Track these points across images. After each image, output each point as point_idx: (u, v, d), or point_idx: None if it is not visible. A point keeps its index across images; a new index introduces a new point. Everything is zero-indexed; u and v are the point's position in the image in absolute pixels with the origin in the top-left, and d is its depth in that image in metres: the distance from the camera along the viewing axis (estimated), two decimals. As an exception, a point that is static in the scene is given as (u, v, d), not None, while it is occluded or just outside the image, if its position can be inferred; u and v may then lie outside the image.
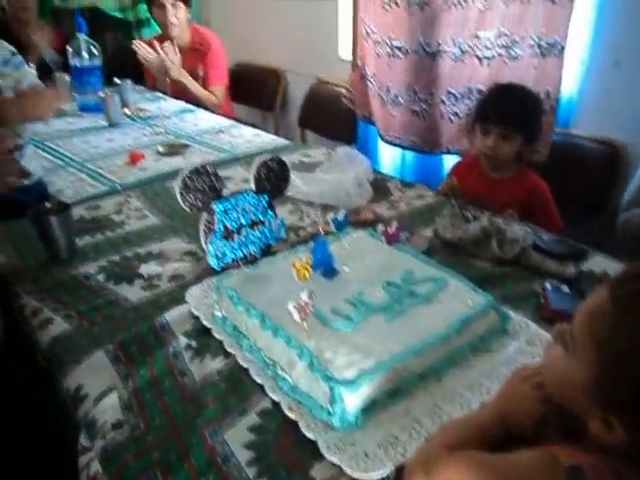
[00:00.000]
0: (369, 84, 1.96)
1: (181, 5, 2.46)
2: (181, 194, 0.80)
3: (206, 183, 0.81)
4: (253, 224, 0.86)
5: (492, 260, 1.08)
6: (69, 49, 2.16)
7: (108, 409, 0.74)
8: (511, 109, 1.31)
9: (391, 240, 0.94)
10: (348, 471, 0.62)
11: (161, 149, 1.75)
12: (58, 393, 0.84)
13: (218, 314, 0.88)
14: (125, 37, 3.68)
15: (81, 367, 0.83)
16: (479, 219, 1.17)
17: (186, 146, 1.78)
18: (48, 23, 3.28)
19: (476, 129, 1.37)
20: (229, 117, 2.36)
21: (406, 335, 0.75)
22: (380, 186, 1.46)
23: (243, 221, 0.85)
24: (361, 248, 0.97)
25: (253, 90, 2.80)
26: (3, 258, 1.15)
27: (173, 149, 1.75)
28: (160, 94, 2.55)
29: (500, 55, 1.55)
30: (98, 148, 1.82)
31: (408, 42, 1.69)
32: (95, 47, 2.18)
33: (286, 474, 0.64)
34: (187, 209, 0.81)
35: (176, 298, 0.97)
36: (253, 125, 2.61)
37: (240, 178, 1.52)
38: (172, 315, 0.92)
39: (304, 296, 0.73)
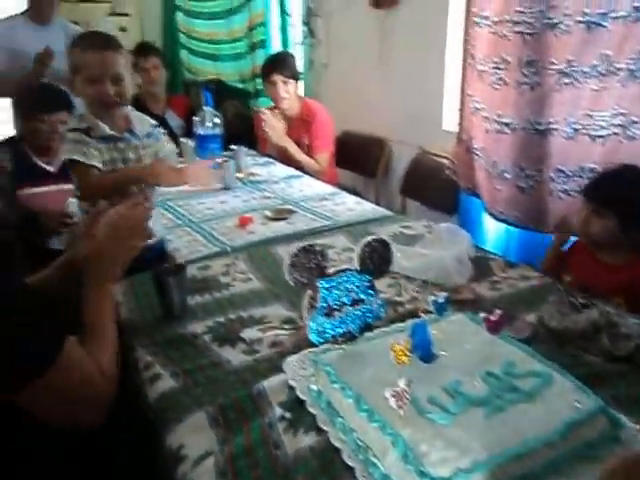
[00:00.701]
0: (475, 157, 1.97)
1: (291, 81, 2.65)
2: (289, 269, 0.85)
3: (312, 261, 0.86)
4: (354, 303, 0.89)
5: (602, 356, 1.01)
6: (195, 119, 2.40)
7: (204, 474, 0.77)
8: (605, 185, 1.30)
9: (493, 329, 0.91)
10: None
11: (268, 214, 1.85)
12: (160, 448, 0.89)
13: (313, 387, 0.90)
14: (243, 105, 4.02)
15: (183, 426, 0.87)
16: (589, 308, 1.10)
17: (292, 212, 1.88)
18: (179, 93, 3.68)
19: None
20: (333, 183, 2.47)
21: (506, 435, 0.72)
22: (482, 264, 1.43)
23: (345, 300, 0.88)
24: (460, 333, 0.96)
25: (357, 157, 2.89)
26: (126, 311, 1.27)
27: (279, 214, 1.85)
28: (271, 159, 2.73)
29: (616, 134, 1.50)
30: (212, 210, 1.97)
31: (517, 119, 1.69)
32: (218, 117, 2.40)
33: None
34: (292, 283, 0.86)
35: (274, 365, 1.01)
36: (354, 190, 2.71)
37: (341, 247, 1.57)
38: (270, 383, 0.95)
39: (402, 383, 0.73)
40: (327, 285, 0.85)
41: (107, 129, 1.45)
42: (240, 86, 4.12)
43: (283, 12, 3.37)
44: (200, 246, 1.62)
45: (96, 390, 0.89)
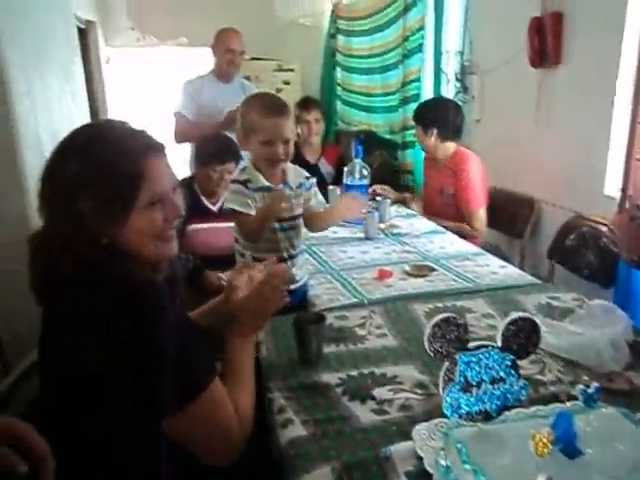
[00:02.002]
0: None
1: (434, 132, 2.64)
2: (429, 339, 0.85)
3: (453, 333, 0.85)
4: (494, 381, 0.86)
5: None
6: (345, 169, 2.51)
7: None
8: None
9: (652, 432, 0.82)
10: None
11: (408, 269, 1.86)
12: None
13: (442, 462, 0.87)
14: (390, 155, 4.12)
15: (309, 477, 0.90)
16: None
17: (432, 269, 1.86)
18: (331, 142, 3.89)
19: None
20: (479, 242, 2.41)
21: None
22: (638, 351, 1.29)
23: (484, 377, 0.85)
24: (611, 430, 0.87)
25: (504, 215, 2.79)
26: (265, 352, 1.35)
27: (419, 271, 1.84)
28: (413, 212, 2.75)
29: None
30: (353, 258, 2.03)
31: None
32: (366, 169, 2.49)
33: None
34: (431, 354, 0.86)
35: (403, 430, 1.00)
36: (497, 248, 2.61)
37: (481, 312, 1.52)
38: (397, 449, 0.94)
39: (542, 478, 0.68)
40: (467, 360, 0.84)
41: (265, 181, 1.59)
42: (389, 137, 4.23)
43: (438, 69, 3.44)
44: (339, 295, 1.68)
45: (231, 431, 0.96)
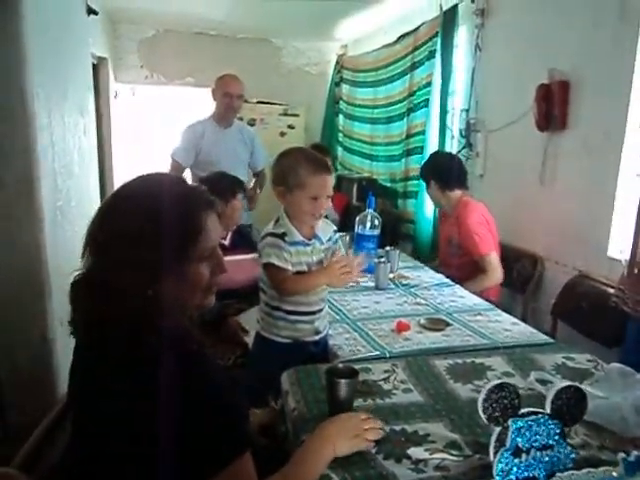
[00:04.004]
0: None
1: (432, 184, 2.75)
2: (483, 404, 0.87)
3: (507, 399, 0.88)
4: (543, 448, 0.89)
5: None
6: (357, 219, 2.57)
7: None
8: None
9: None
10: None
11: (424, 322, 1.89)
12: None
13: (489, 527, 0.89)
14: (390, 204, 4.22)
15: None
16: None
17: (447, 324, 1.90)
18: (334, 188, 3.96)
19: None
20: (492, 298, 2.45)
21: None
22: (661, 416, 1.33)
23: (534, 443, 0.88)
24: (653, 500, 0.90)
25: (507, 270, 2.84)
26: (293, 401, 1.36)
27: (435, 324, 1.88)
28: (420, 263, 2.80)
29: None
30: (367, 308, 2.06)
31: None
32: (378, 220, 2.55)
33: None
34: (485, 419, 0.88)
35: (443, 492, 1.01)
36: (500, 303, 2.65)
37: (501, 370, 1.55)
38: (442, 512, 0.95)
39: None
40: (519, 426, 0.86)
41: (300, 235, 1.64)
42: (389, 185, 4.34)
43: (443, 124, 3.57)
44: (360, 346, 1.70)
45: None
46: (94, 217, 0.95)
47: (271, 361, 1.62)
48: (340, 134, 5.45)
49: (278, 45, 5.36)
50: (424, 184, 2.92)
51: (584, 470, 1.02)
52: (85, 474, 0.93)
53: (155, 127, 5.64)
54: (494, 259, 2.62)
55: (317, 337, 1.70)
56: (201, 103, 4.92)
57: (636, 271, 1.99)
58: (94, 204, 3.75)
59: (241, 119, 3.78)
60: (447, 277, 2.52)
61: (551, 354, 1.68)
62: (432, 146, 3.61)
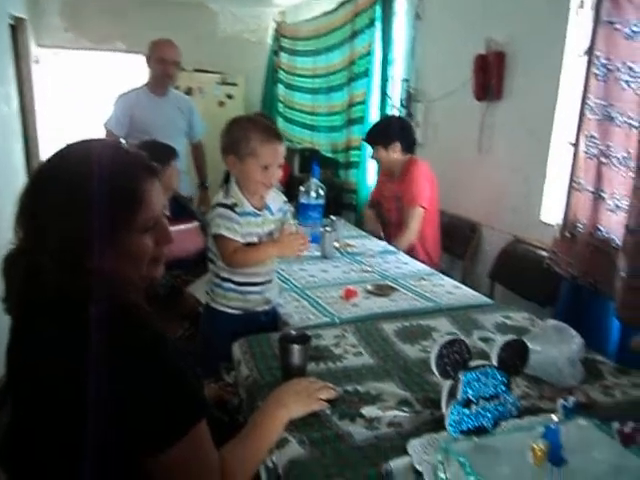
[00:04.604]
0: (584, 248, 2.01)
1: (397, 146, 2.75)
2: (436, 360, 0.91)
3: (457, 354, 0.92)
4: (491, 398, 0.93)
5: None
6: (301, 189, 2.56)
7: None
8: None
9: (627, 442, 0.93)
10: None
11: (370, 288, 1.93)
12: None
13: (442, 476, 0.93)
14: (332, 174, 4.22)
15: (317, 496, 0.93)
16: None
17: (393, 289, 1.95)
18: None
19: None
20: (434, 264, 2.52)
21: None
22: (591, 367, 1.43)
23: (483, 394, 0.92)
24: (589, 440, 0.97)
25: (447, 236, 2.94)
26: (246, 370, 1.36)
27: (381, 290, 1.92)
28: (364, 233, 2.84)
29: None
30: (314, 277, 2.08)
31: (634, 223, 1.72)
32: (322, 189, 2.55)
33: None
34: (438, 373, 0.92)
35: (395, 446, 1.05)
36: (441, 270, 2.75)
37: (445, 330, 1.61)
38: (396, 465, 0.99)
39: (548, 487, 0.76)
40: (469, 378, 0.91)
41: (250, 206, 1.61)
42: (331, 156, 4.34)
43: (384, 94, 3.59)
44: (310, 314, 1.72)
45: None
46: (25, 187, 0.89)
47: (222, 333, 1.60)
48: (280, 104, 5.37)
49: (214, 10, 5.16)
50: (371, 150, 2.87)
51: (526, 418, 1.10)
52: (26, 454, 0.90)
53: (85, 96, 5.35)
54: (419, 215, 2.64)
55: (267, 307, 1.70)
56: (134, 71, 4.70)
57: (567, 234, 2.11)
58: (18, 174, 3.53)
59: (177, 88, 3.63)
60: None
61: (491, 314, 1.76)
62: (373, 116, 3.63)
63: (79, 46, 5.02)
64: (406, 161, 2.76)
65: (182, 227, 2.11)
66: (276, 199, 1.72)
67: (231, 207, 1.58)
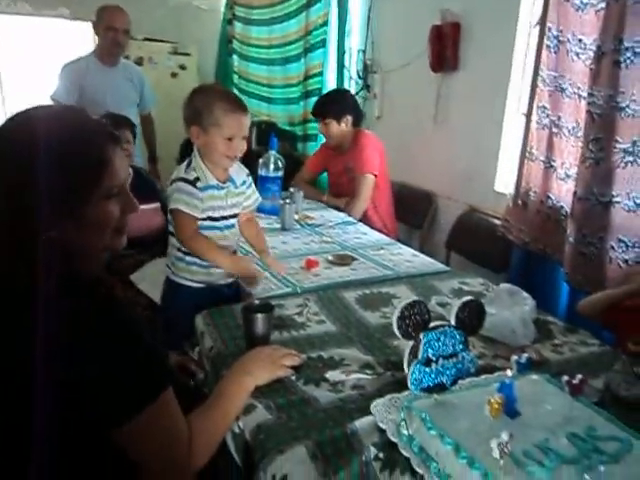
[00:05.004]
0: (535, 215, 2.09)
1: (347, 119, 2.73)
2: (398, 321, 0.93)
3: (418, 315, 0.94)
4: (450, 356, 0.97)
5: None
6: (260, 161, 2.53)
7: (314, 502, 0.84)
8: None
9: (575, 392, 0.98)
10: None
11: (331, 258, 1.95)
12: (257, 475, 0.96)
13: (404, 432, 0.97)
14: (290, 147, 4.19)
15: (285, 457, 0.95)
16: (654, 380, 1.16)
17: (353, 258, 1.98)
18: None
19: None
20: (393, 235, 2.56)
21: (599, 493, 0.78)
22: (542, 327, 1.50)
23: (442, 352, 0.96)
24: (541, 393, 1.03)
25: (404, 207, 2.99)
26: (210, 340, 1.36)
27: (342, 260, 1.94)
28: (322, 205, 2.84)
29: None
30: (275, 249, 2.07)
31: (582, 191, 1.79)
32: (281, 161, 2.54)
33: None
34: (400, 334, 0.95)
35: (360, 407, 1.08)
36: (398, 238, 2.80)
37: (405, 297, 1.65)
38: (361, 424, 1.02)
39: (505, 436, 0.80)
40: (429, 338, 0.94)
41: (214, 179, 1.58)
42: (289, 129, 4.30)
43: (340, 65, 3.57)
44: (271, 284, 1.72)
45: (176, 452, 0.91)
46: None
47: (184, 307, 1.59)
48: (235, 76, 5.25)
49: (163, -25, 4.95)
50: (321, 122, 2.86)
51: (483, 376, 1.15)
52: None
53: (25, 66, 5.06)
54: (370, 182, 2.67)
55: (230, 280, 1.70)
56: (81, 40, 4.48)
57: (520, 203, 2.19)
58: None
59: (127, 58, 3.49)
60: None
61: (448, 280, 1.82)
62: (330, 88, 3.60)
63: (18, 11, 4.72)
64: (355, 133, 2.78)
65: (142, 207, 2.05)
66: (239, 172, 1.70)
67: (192, 182, 1.56)
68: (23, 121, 0.87)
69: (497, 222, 2.39)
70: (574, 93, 1.97)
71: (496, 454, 0.80)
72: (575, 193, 1.87)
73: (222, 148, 1.53)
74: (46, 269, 0.80)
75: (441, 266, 2.01)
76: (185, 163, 1.60)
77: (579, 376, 1.01)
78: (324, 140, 2.95)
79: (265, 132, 4.10)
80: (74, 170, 0.83)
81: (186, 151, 1.75)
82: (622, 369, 1.23)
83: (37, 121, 0.86)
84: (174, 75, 4.83)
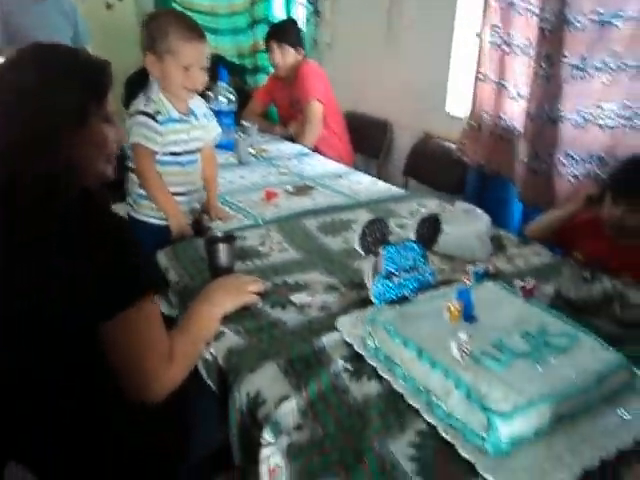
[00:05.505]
0: (489, 137, 2.12)
1: (288, 48, 2.70)
2: (360, 238, 0.95)
3: (379, 232, 0.97)
4: (410, 269, 1.01)
5: (614, 322, 1.16)
6: (210, 94, 2.45)
7: (288, 413, 0.89)
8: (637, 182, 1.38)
9: (527, 295, 1.05)
10: (505, 490, 0.73)
11: (290, 189, 1.95)
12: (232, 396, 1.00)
13: (370, 343, 1.01)
14: (241, 80, 4.04)
15: (257, 375, 0.98)
16: (599, 280, 1.24)
17: (312, 188, 1.98)
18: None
19: (606, 196, 1.44)
20: (349, 162, 2.55)
21: (550, 381, 0.85)
22: (497, 241, 1.56)
23: (403, 266, 0.99)
24: (496, 299, 1.09)
25: (360, 137, 2.98)
26: (175, 275, 1.36)
27: (301, 190, 1.94)
28: (277, 137, 2.80)
29: (622, 125, 1.64)
30: (233, 183, 2.05)
31: (534, 109, 1.82)
32: (233, 94, 2.46)
33: (448, 486, 0.75)
34: (362, 251, 0.97)
35: (326, 326, 1.12)
36: (356, 168, 2.81)
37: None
38: (328, 340, 1.06)
39: (463, 336, 0.85)
40: (390, 253, 0.97)
41: (175, 112, 1.53)
42: (238, 62, 4.13)
43: (288, -11, 3.41)
44: (233, 218, 1.71)
45: (156, 360, 0.95)
46: None
47: (146, 244, 1.56)
48: (176, 5, 4.94)
49: None
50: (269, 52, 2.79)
51: (442, 288, 1.19)
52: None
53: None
54: (317, 109, 2.65)
55: (193, 217, 1.68)
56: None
57: (474, 124, 2.20)
58: None
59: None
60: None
61: (406, 203, 1.85)
62: (278, 14, 3.46)
63: None
64: (298, 64, 2.72)
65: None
66: (199, 104, 1.64)
67: (152, 115, 1.50)
68: (39, 50, 0.95)
69: (453, 146, 2.41)
70: (525, 9, 1.95)
71: (456, 354, 0.86)
72: (527, 112, 1.90)
73: (179, 79, 1.47)
74: (51, 173, 0.87)
75: (400, 191, 2.04)
76: (143, 96, 1.53)
77: (531, 280, 1.07)
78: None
79: (212, 66, 3.93)
80: (89, 82, 0.94)
81: (131, 88, 1.67)
82: (571, 274, 1.30)
83: (50, 46, 0.96)
84: (109, 6, 4.49)
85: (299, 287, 1.28)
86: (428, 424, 0.85)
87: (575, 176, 1.78)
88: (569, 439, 0.82)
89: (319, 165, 2.32)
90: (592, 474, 0.77)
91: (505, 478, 0.75)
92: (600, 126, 1.67)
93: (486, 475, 0.75)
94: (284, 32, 2.75)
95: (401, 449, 0.81)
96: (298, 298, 1.22)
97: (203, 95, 2.64)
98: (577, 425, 0.85)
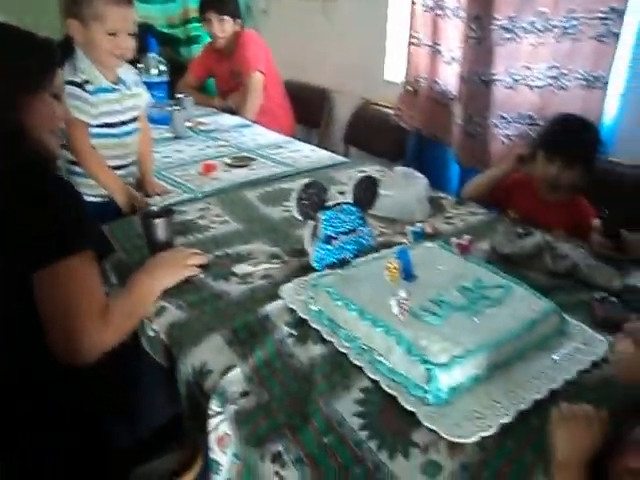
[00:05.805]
0: (425, 101, 2.14)
1: (228, 19, 2.62)
2: (297, 203, 0.94)
3: (316, 196, 0.96)
4: (349, 232, 1.01)
5: (546, 273, 1.21)
6: (140, 66, 2.34)
7: (234, 381, 0.88)
8: (576, 140, 1.42)
9: (464, 251, 1.08)
10: (445, 436, 0.76)
11: (229, 161, 1.91)
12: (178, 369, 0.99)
13: (313, 308, 1.02)
14: (173, 51, 3.89)
15: (202, 347, 0.97)
16: (532, 235, 1.30)
17: (251, 159, 1.94)
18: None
19: (539, 155, 1.48)
20: (289, 133, 2.52)
21: (485, 331, 0.88)
22: (435, 203, 1.60)
23: (342, 229, 1.00)
24: (434, 257, 1.11)
25: (299, 107, 2.94)
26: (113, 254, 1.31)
27: (240, 161, 1.91)
28: (215, 110, 2.72)
29: (550, 85, 1.70)
30: (169, 158, 1.99)
31: (466, 73, 1.85)
32: (163, 64, 2.36)
33: (392, 437, 0.78)
34: (299, 216, 0.96)
35: (270, 294, 1.11)
36: (297, 138, 2.78)
37: (306, 190, 1.67)
38: (271, 308, 1.06)
39: (403, 294, 0.87)
40: (328, 217, 0.96)
41: (106, 81, 1.45)
42: (168, 32, 3.97)
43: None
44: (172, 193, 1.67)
45: (88, 316, 0.93)
46: None
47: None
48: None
49: None
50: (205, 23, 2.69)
51: (382, 251, 1.22)
52: None
53: None
54: (258, 79, 2.61)
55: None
56: None
57: (410, 89, 2.22)
58: None
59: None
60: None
61: (346, 170, 1.86)
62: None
63: None
64: (238, 34, 2.66)
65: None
66: (128, 72, 1.57)
67: (81, 85, 1.42)
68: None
69: (390, 112, 2.42)
70: (455, -29, 1.97)
71: (396, 310, 0.87)
72: (461, 76, 1.92)
73: (106, 45, 1.40)
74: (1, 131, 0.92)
75: (340, 158, 2.04)
76: (69, 65, 1.45)
77: (466, 237, 1.10)
78: (208, 40, 2.78)
79: (141, 36, 3.76)
80: (44, 55, 1.00)
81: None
82: (505, 231, 1.35)
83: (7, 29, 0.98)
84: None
85: (241, 258, 1.27)
86: (372, 381, 0.87)
87: (508, 137, 1.84)
88: (505, 384, 0.86)
89: (259, 136, 2.28)
90: (527, 413, 0.81)
91: (445, 425, 0.78)
92: (530, 87, 1.72)
93: (427, 423, 0.78)
94: (222, 2, 2.65)
95: (347, 407, 0.83)
96: (240, 269, 1.21)
97: (132, 65, 2.55)
98: (512, 371, 0.89)
